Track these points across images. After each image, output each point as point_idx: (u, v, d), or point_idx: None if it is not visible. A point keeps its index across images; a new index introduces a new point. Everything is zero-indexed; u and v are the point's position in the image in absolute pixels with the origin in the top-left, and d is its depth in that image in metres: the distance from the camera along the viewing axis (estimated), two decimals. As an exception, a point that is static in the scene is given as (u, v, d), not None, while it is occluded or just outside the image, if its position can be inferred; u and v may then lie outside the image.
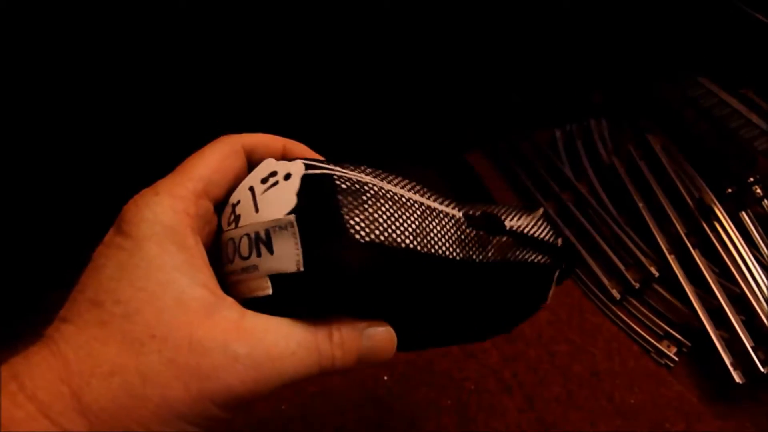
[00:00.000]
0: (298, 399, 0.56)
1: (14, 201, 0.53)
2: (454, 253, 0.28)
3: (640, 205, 0.70)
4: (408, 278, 0.26)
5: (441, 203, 0.29)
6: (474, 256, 0.29)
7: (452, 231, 0.28)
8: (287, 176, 0.24)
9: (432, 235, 0.27)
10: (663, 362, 0.62)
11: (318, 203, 0.24)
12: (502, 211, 0.33)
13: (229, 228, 0.25)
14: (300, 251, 0.23)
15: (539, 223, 0.34)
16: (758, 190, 0.68)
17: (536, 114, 0.82)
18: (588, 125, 0.81)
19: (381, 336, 0.26)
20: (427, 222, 0.27)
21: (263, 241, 0.24)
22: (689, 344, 0.62)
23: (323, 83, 0.62)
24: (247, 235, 0.24)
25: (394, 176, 0.28)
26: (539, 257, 0.33)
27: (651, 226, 0.68)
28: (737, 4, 0.75)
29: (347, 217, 0.24)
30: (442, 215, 0.28)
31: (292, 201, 0.24)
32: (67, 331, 0.22)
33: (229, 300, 0.23)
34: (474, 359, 0.61)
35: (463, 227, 0.29)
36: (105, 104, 0.53)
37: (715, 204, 0.67)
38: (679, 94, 0.81)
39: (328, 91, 0.63)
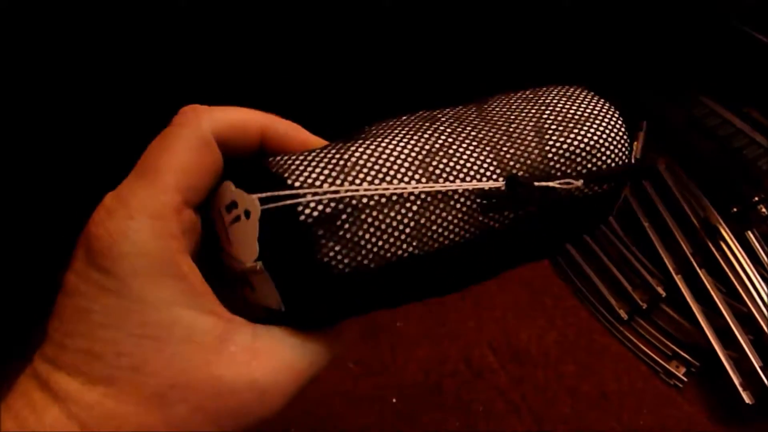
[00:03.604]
0: (307, 422, 0.56)
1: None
2: (468, 234, 0.23)
3: (646, 224, 0.70)
4: (410, 278, 0.23)
5: (460, 164, 0.23)
6: (494, 224, 0.24)
7: (464, 211, 0.23)
8: (246, 213, 0.22)
9: (434, 228, 0.23)
10: (672, 383, 0.62)
11: (282, 245, 0.21)
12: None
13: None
14: (277, 293, 0.22)
15: (606, 142, 0.26)
16: (763, 209, 0.68)
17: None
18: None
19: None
20: (427, 215, 0.22)
21: (243, 280, 0.23)
22: (698, 364, 0.62)
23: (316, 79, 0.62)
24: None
25: (402, 134, 0.23)
26: (594, 189, 0.25)
27: (657, 245, 0.69)
28: (739, 25, 0.76)
29: (320, 255, 0.21)
30: (452, 200, 0.23)
31: (254, 248, 0.21)
32: (70, 386, 0.20)
33: (237, 320, 0.22)
34: (482, 380, 0.61)
35: (482, 201, 0.24)
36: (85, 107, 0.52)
37: (720, 223, 0.67)
38: (683, 113, 0.81)
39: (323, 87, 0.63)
